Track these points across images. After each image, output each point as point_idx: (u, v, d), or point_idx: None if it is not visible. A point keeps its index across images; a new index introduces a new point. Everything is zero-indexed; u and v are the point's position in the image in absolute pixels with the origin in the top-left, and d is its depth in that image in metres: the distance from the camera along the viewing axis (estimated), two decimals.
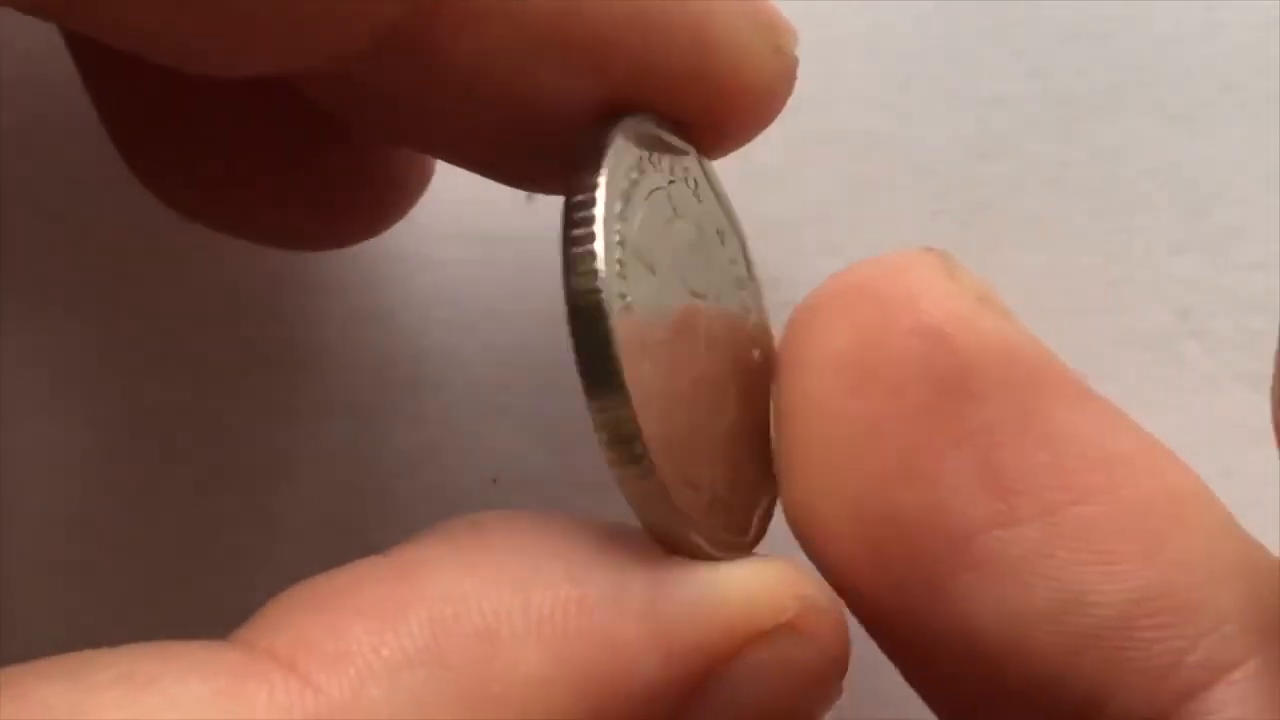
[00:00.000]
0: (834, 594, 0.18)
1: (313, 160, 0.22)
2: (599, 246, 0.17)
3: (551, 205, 0.20)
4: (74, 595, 0.25)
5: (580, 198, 0.17)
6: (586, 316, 0.17)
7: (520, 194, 0.22)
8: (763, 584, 0.18)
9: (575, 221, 0.17)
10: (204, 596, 0.25)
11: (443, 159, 0.21)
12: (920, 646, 0.18)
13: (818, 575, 0.18)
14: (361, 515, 0.25)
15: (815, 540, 0.18)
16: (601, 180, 0.17)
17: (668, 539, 0.17)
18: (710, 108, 0.19)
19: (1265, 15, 0.25)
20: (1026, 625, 0.17)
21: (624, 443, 0.17)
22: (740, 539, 0.19)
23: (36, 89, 0.24)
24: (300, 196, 0.22)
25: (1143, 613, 0.17)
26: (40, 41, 0.22)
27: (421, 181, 0.23)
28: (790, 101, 0.25)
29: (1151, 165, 0.25)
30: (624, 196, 0.18)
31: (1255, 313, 0.24)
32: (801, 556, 0.19)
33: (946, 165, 0.25)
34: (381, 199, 0.23)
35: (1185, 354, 0.25)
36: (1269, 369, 0.25)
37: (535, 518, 0.18)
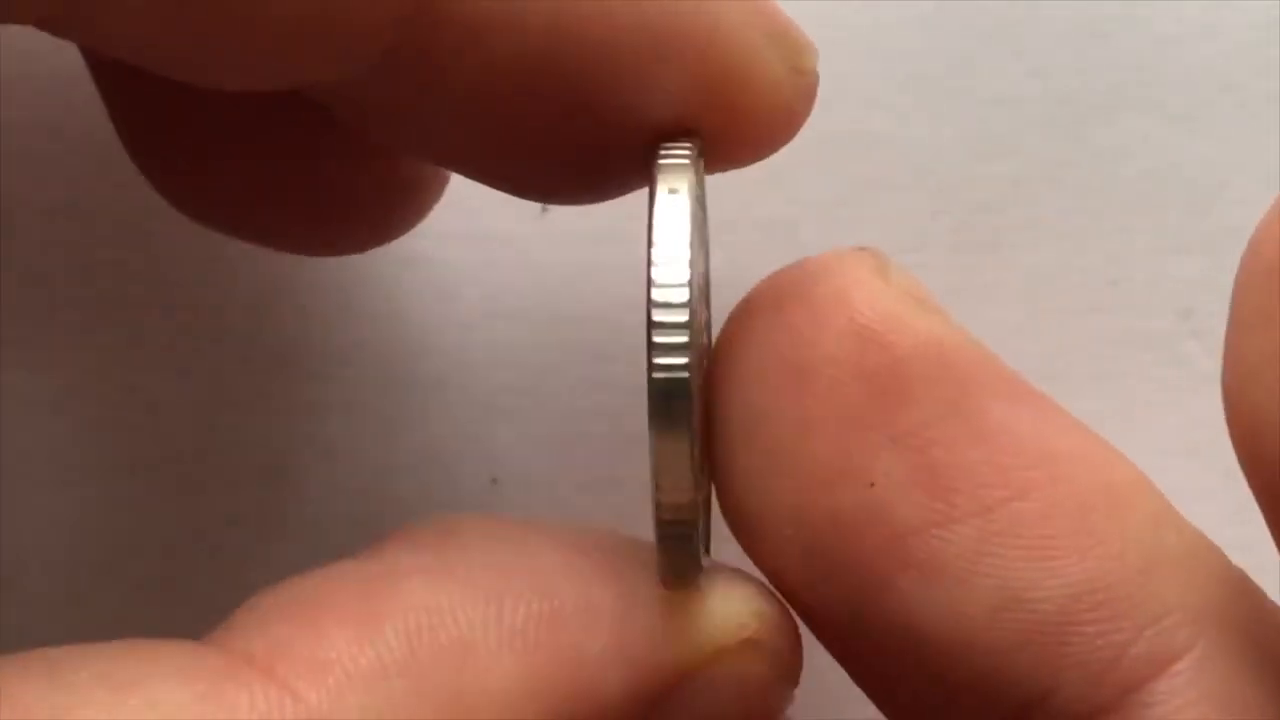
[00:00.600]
0: (788, 607, 0.18)
1: (326, 166, 0.22)
2: (684, 335, 0.17)
3: (565, 216, 0.20)
4: (74, 595, 0.25)
5: (665, 268, 0.17)
6: (669, 394, 0.17)
7: (534, 206, 0.22)
8: (726, 602, 0.18)
9: (659, 301, 0.17)
10: (204, 596, 0.25)
11: (453, 170, 0.21)
12: (865, 647, 0.18)
13: (771, 590, 0.18)
14: (361, 515, 0.25)
15: (755, 543, 0.18)
16: (685, 252, 0.17)
17: (677, 550, 0.18)
18: (722, 127, 0.19)
19: (1265, 15, 0.25)
20: (968, 623, 0.17)
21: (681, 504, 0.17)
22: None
23: (37, 88, 0.24)
24: (313, 202, 0.22)
25: (1083, 607, 0.17)
26: (41, 41, 0.22)
27: (437, 188, 0.23)
28: None
29: (1151, 165, 0.25)
30: (693, 242, 0.18)
31: None
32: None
33: (946, 165, 0.25)
34: (396, 206, 0.23)
35: (1185, 354, 0.25)
36: None
37: (508, 525, 0.18)
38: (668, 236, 0.17)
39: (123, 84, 0.21)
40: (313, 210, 0.22)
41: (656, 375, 0.17)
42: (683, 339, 0.17)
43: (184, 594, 0.25)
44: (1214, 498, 0.24)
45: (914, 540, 0.17)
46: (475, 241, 0.25)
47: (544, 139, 0.18)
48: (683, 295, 0.17)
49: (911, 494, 0.17)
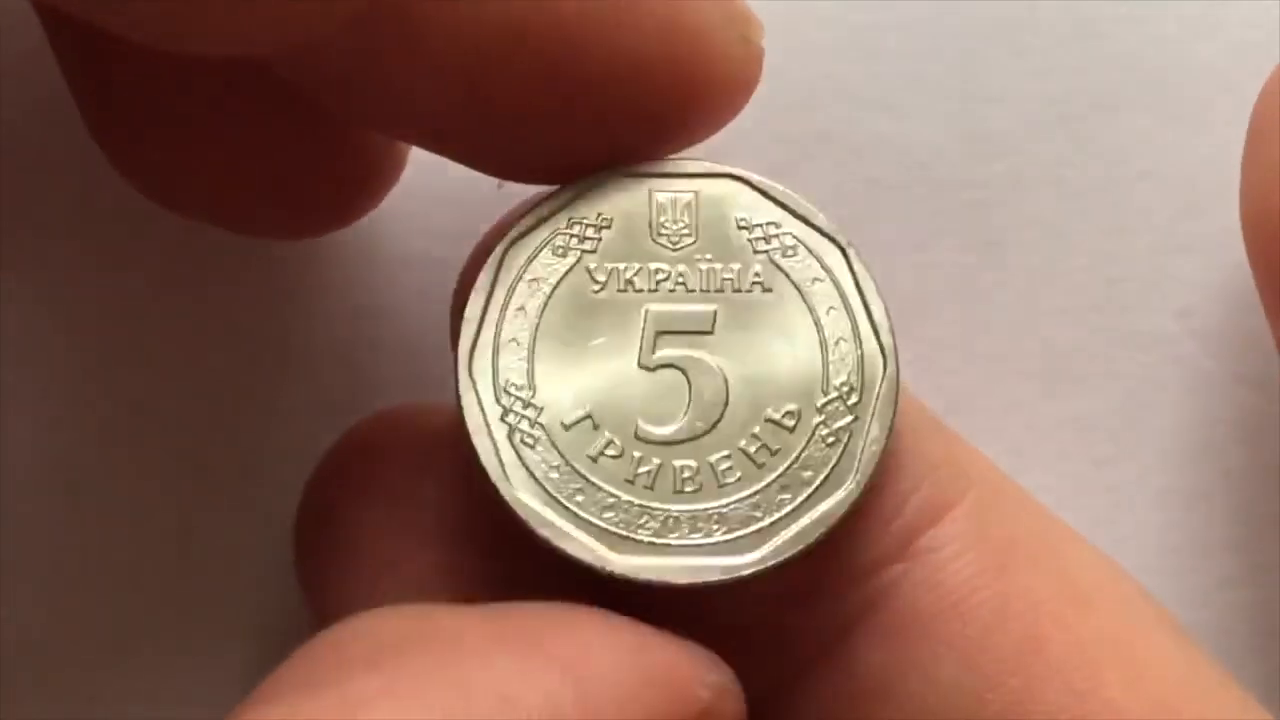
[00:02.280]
0: (731, 672, 0.19)
1: (282, 146, 0.22)
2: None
3: (523, 192, 0.21)
4: (74, 595, 0.25)
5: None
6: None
7: (491, 181, 0.22)
8: (680, 677, 0.18)
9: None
10: (203, 596, 0.25)
11: (414, 143, 0.21)
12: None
13: (715, 656, 0.19)
14: None
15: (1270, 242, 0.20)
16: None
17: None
18: (678, 95, 0.19)
19: (1265, 15, 0.25)
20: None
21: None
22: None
23: (36, 88, 0.24)
24: (268, 182, 0.22)
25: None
26: (41, 39, 0.22)
27: (394, 170, 0.23)
28: (791, 101, 0.25)
29: (1151, 165, 0.25)
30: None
31: (1255, 313, 0.24)
32: None
33: (946, 165, 0.25)
34: (353, 188, 0.23)
35: (1185, 354, 0.25)
36: (1269, 369, 0.25)
37: (447, 621, 0.18)
38: None
39: (81, 54, 0.21)
40: (270, 192, 0.22)
41: None
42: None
43: (184, 594, 0.25)
44: (1212, 498, 0.24)
45: None
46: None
47: (508, 108, 0.19)
48: None
49: None
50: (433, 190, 0.25)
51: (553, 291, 0.19)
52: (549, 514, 0.19)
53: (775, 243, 0.20)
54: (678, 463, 0.19)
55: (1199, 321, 0.25)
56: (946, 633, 0.19)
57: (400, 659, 0.17)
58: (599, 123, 0.19)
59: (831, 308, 0.19)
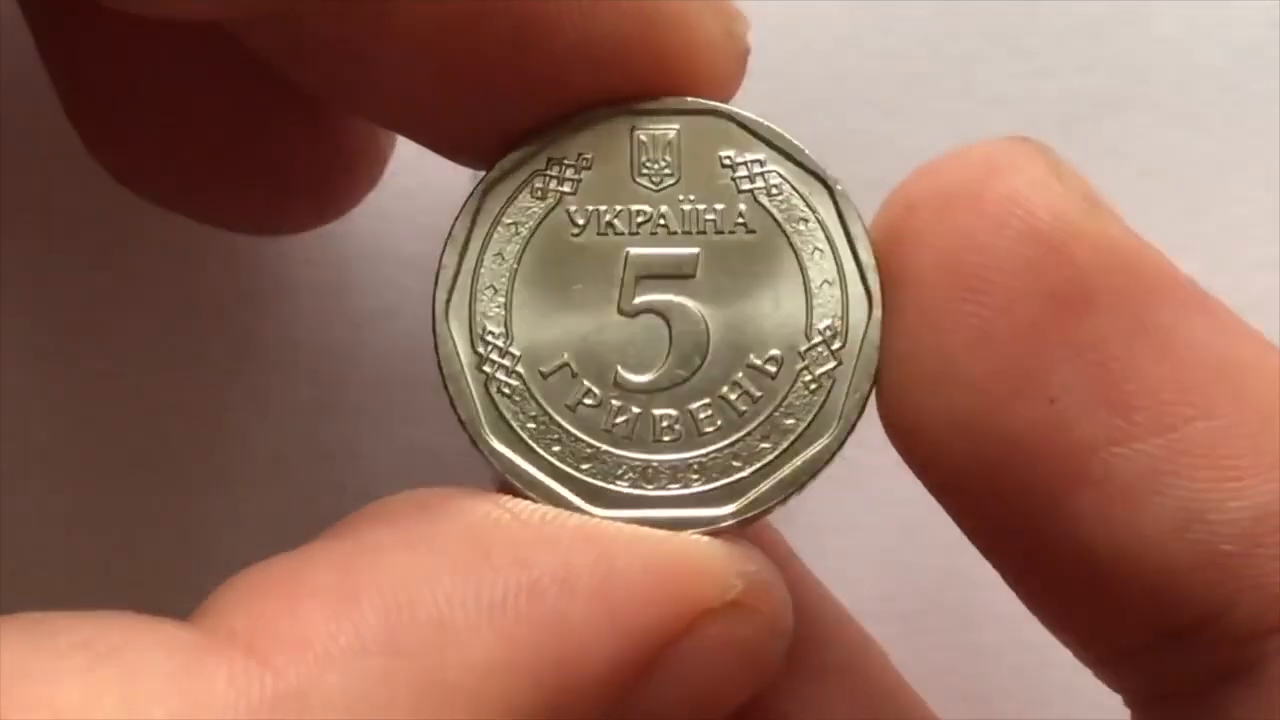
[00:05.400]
0: (775, 568, 0.18)
1: (265, 138, 0.22)
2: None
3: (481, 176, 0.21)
4: (73, 594, 0.25)
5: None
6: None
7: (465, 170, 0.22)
8: (708, 562, 0.17)
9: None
10: (203, 596, 0.25)
11: (388, 127, 0.21)
12: (1029, 559, 0.18)
13: (757, 551, 0.18)
14: None
15: (921, 455, 0.18)
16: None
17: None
18: (656, 83, 0.19)
19: (1265, 15, 0.25)
20: (1146, 543, 0.17)
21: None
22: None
23: (36, 88, 0.24)
24: (251, 174, 0.22)
25: (1266, 529, 0.17)
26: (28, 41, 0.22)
27: (375, 167, 0.23)
28: (791, 102, 0.25)
29: (1151, 165, 0.25)
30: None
31: (1255, 313, 0.23)
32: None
33: None
34: (337, 180, 0.23)
35: None
36: None
37: (483, 497, 0.18)
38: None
39: (54, 28, 0.21)
40: (247, 182, 0.22)
41: None
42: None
43: (183, 594, 0.25)
44: None
45: (1094, 458, 0.17)
46: None
47: (479, 87, 0.18)
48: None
49: (1092, 410, 0.17)
50: (433, 191, 0.25)
51: (531, 236, 0.19)
52: (526, 466, 0.18)
53: (760, 181, 0.19)
54: (657, 411, 0.18)
55: None
56: None
57: (421, 520, 0.17)
58: (575, 107, 0.19)
59: (817, 249, 0.19)
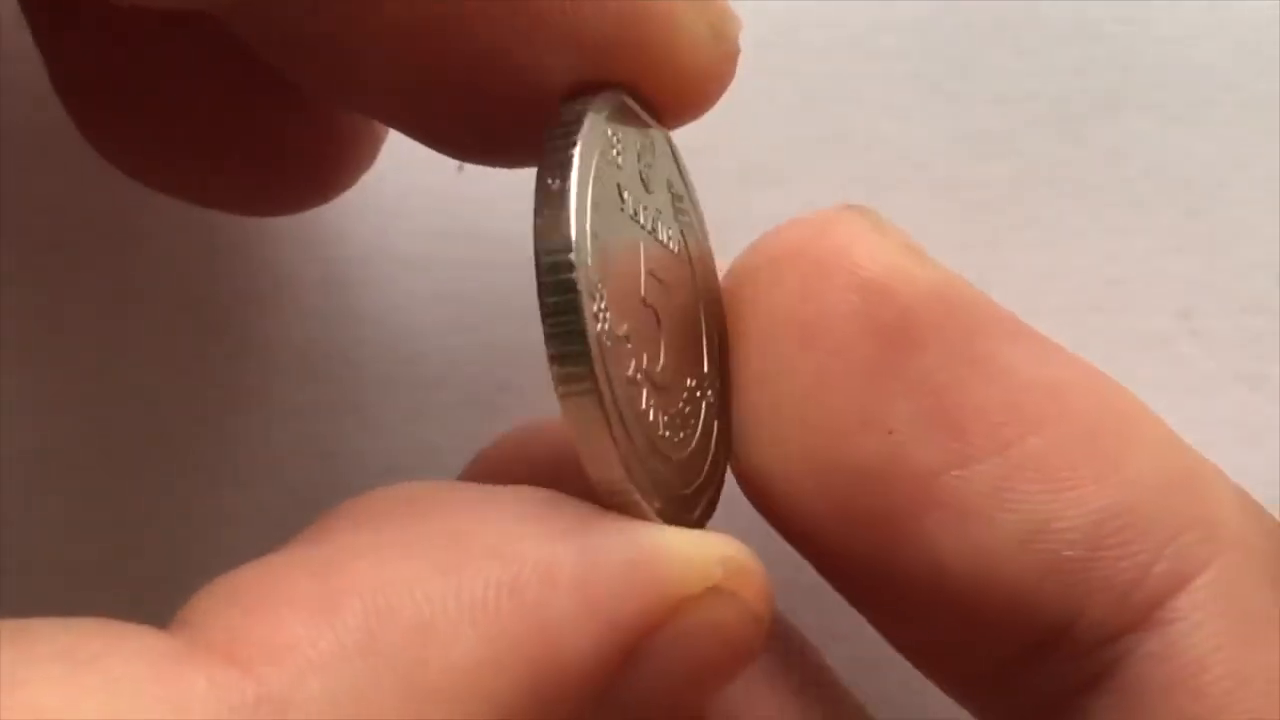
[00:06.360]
0: (755, 555, 0.18)
1: (256, 120, 0.22)
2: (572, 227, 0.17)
3: (485, 175, 0.20)
4: (74, 595, 0.25)
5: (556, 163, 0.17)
6: (558, 292, 0.17)
7: (451, 162, 0.22)
8: (689, 549, 0.18)
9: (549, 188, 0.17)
10: None
11: (379, 119, 0.21)
12: (888, 590, 0.18)
13: (740, 546, 0.18)
14: None
15: (774, 499, 0.19)
16: (576, 152, 0.17)
17: (609, 483, 0.17)
18: (640, 81, 0.19)
19: (1265, 15, 0.25)
20: (993, 558, 0.18)
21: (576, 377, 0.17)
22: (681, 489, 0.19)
23: (36, 88, 0.24)
24: (243, 156, 0.22)
25: (1106, 532, 0.18)
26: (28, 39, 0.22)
27: (370, 148, 0.23)
28: (791, 101, 0.25)
29: (1151, 165, 0.25)
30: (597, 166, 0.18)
31: (1255, 313, 0.24)
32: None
33: (946, 165, 0.25)
34: (328, 161, 0.23)
35: (1185, 354, 0.25)
36: (1269, 369, 0.25)
37: (461, 490, 0.18)
38: (553, 200, 0.17)
39: (57, 31, 0.21)
40: (244, 162, 0.22)
41: (551, 339, 0.17)
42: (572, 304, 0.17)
43: (183, 594, 0.25)
44: None
45: (936, 483, 0.18)
46: (475, 241, 0.25)
47: (464, 84, 0.18)
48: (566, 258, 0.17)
49: (930, 438, 0.18)
50: (434, 191, 0.25)
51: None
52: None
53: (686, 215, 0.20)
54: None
55: (1199, 321, 0.25)
56: (1176, 707, 0.18)
57: (400, 519, 0.17)
58: (557, 101, 0.19)
59: None
